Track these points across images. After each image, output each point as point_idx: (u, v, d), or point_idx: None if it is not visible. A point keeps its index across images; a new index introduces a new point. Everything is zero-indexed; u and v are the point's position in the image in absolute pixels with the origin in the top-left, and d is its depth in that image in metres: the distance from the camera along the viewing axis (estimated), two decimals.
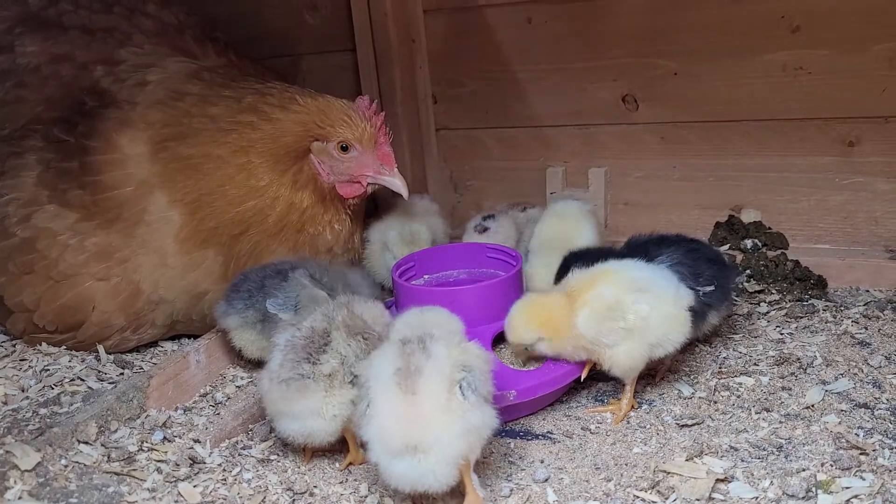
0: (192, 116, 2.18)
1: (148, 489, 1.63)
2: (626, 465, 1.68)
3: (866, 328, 2.15)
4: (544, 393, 1.87)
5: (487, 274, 2.24)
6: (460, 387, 1.50)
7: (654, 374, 2.01)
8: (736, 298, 2.38)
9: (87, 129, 2.19)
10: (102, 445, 1.74)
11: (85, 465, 1.65)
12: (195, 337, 2.27)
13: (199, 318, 2.20)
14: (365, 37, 2.89)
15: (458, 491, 1.55)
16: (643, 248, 2.02)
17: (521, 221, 2.58)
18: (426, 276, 2.24)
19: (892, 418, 1.74)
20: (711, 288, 1.95)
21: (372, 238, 2.52)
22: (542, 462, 1.73)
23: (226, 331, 2.06)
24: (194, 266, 2.14)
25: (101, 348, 2.19)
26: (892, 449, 1.63)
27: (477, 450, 1.53)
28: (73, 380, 2.06)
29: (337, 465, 1.75)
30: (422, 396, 1.47)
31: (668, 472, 1.62)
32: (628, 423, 1.85)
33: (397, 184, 2.16)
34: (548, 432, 1.85)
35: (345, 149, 2.14)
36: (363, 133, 2.12)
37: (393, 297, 2.17)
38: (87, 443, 1.73)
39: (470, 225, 2.54)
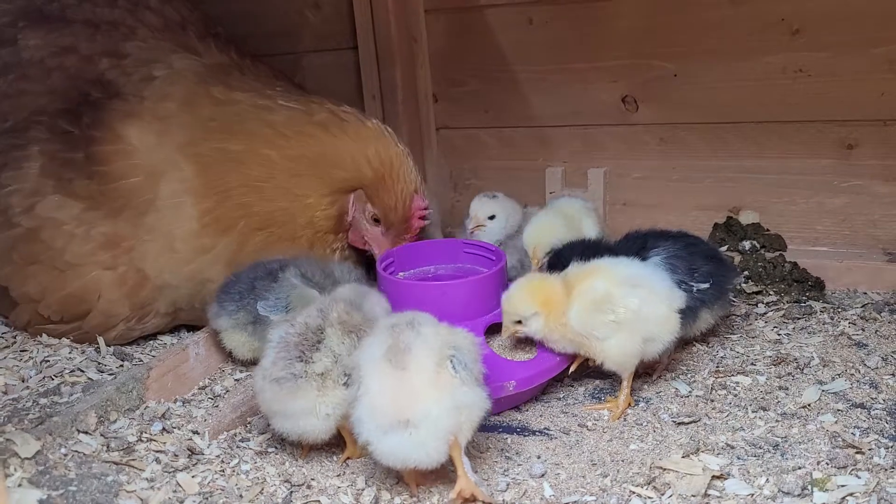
0: (245, 119, 2.22)
1: (146, 479, 1.63)
2: (623, 461, 1.69)
3: (863, 330, 2.16)
4: (543, 381, 1.88)
5: (465, 269, 2.23)
6: (451, 362, 1.53)
7: (652, 372, 2.02)
8: (734, 299, 2.39)
9: (92, 120, 2.21)
10: (102, 435, 1.75)
11: (84, 454, 1.66)
12: (194, 329, 2.28)
13: (202, 306, 2.21)
14: (367, 35, 2.91)
15: (451, 480, 1.57)
16: (641, 241, 2.03)
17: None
18: (402, 274, 2.22)
19: (889, 418, 1.75)
20: (706, 285, 1.96)
21: None
22: (538, 457, 1.73)
23: (217, 332, 2.08)
24: (203, 251, 2.16)
25: (101, 340, 2.20)
26: (888, 448, 1.63)
27: (467, 431, 1.54)
28: (73, 371, 2.07)
29: (335, 458, 1.75)
30: (412, 372, 1.50)
31: (665, 469, 1.62)
32: (625, 420, 1.86)
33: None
34: (545, 428, 1.85)
35: (376, 220, 2.24)
36: (399, 224, 2.22)
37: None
38: (86, 432, 1.74)
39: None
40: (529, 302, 1.86)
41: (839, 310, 2.29)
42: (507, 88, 2.85)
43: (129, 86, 2.28)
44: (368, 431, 1.51)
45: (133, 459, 1.68)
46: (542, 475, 1.66)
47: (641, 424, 1.83)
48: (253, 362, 2.02)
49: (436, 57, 2.93)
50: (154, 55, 2.34)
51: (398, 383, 1.50)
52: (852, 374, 1.94)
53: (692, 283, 1.95)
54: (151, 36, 2.41)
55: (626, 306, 1.80)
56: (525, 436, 1.83)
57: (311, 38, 3.09)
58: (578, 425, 1.86)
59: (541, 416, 1.91)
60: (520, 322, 1.87)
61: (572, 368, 1.94)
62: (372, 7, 2.86)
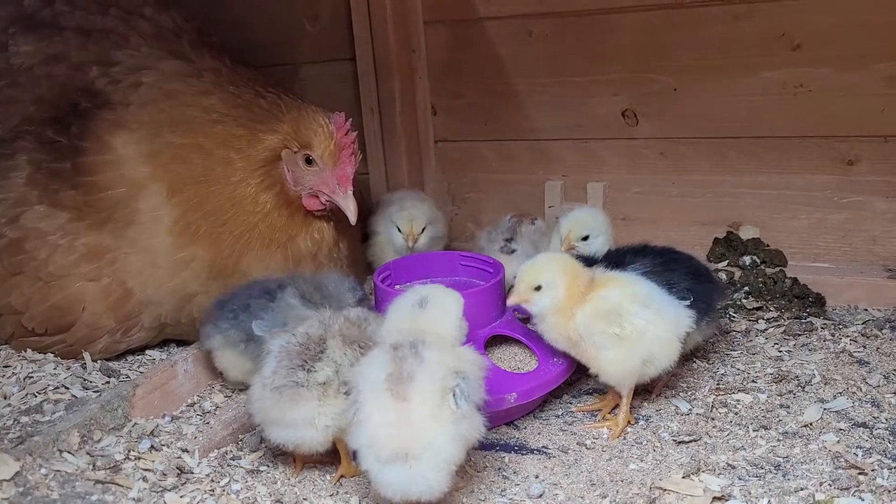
0: (187, 106, 2.19)
1: (133, 499, 1.59)
2: (622, 481, 1.65)
3: (865, 347, 2.13)
4: (543, 393, 1.87)
5: (462, 282, 2.21)
6: (454, 395, 1.48)
7: (651, 389, 1.99)
8: (734, 315, 2.37)
9: (80, 130, 2.18)
10: (88, 454, 1.71)
11: (67, 472, 1.62)
12: (184, 343, 2.24)
13: (188, 322, 2.18)
14: (365, 46, 2.89)
15: (447, 502, 1.54)
16: (621, 256, 1.99)
17: (530, 230, 2.52)
18: (398, 286, 2.19)
19: (891, 438, 1.72)
20: (686, 303, 1.90)
21: (378, 230, 2.59)
22: (536, 477, 1.70)
23: (209, 352, 2.03)
24: (183, 266, 2.13)
25: (87, 356, 2.16)
26: (891, 469, 1.61)
27: (461, 457, 1.51)
28: (57, 388, 2.02)
29: (328, 477, 1.72)
30: (413, 404, 1.45)
31: (665, 490, 1.59)
32: (624, 438, 1.82)
33: (349, 207, 2.15)
34: (543, 447, 1.82)
35: (309, 162, 2.15)
36: (326, 150, 2.13)
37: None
38: (69, 452, 1.69)
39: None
40: (561, 272, 1.82)
41: (840, 326, 2.26)
42: (506, 101, 2.84)
43: (117, 94, 2.25)
44: (368, 462, 1.48)
45: (119, 478, 1.64)
46: (540, 495, 1.63)
47: (641, 443, 1.80)
48: (243, 385, 1.98)
49: (435, 69, 2.92)
50: (145, 62, 2.32)
51: (398, 416, 1.45)
52: (854, 393, 1.92)
53: None
54: (144, 44, 2.38)
55: (633, 324, 1.78)
56: (523, 454, 1.80)
57: (310, 49, 3.07)
58: (577, 444, 1.82)
59: (539, 433, 1.88)
60: (538, 289, 1.82)
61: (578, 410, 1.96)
62: (371, 18, 2.84)
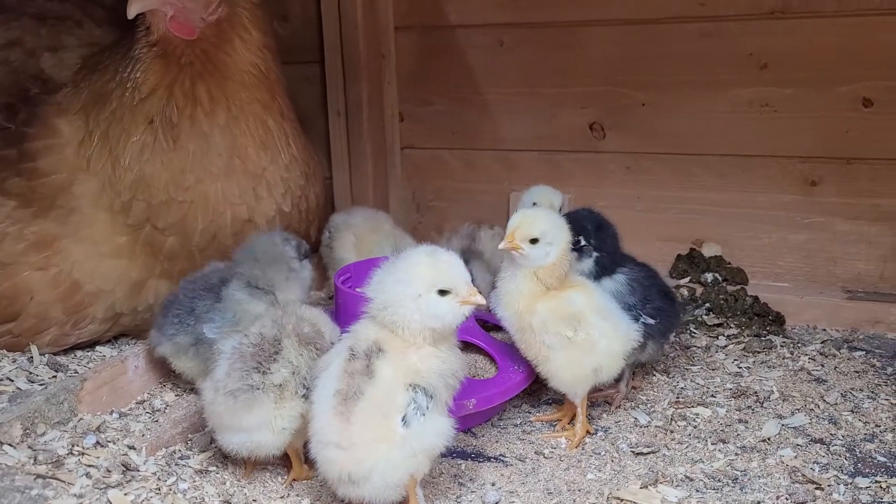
0: (108, 55, 2.17)
1: (75, 495, 1.52)
2: (580, 490, 1.63)
3: (823, 366, 2.15)
4: (503, 401, 1.83)
5: None
6: (404, 416, 1.42)
7: (611, 401, 1.97)
8: (695, 331, 2.38)
9: (27, 116, 2.14)
10: (30, 448, 1.64)
11: (7, 465, 1.55)
12: (139, 339, 2.17)
13: (146, 309, 2.12)
14: (334, 50, 2.86)
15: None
16: (614, 252, 1.99)
17: (488, 235, 2.50)
18: (358, 289, 2.17)
19: (848, 455, 1.73)
20: (653, 321, 1.91)
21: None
22: (493, 485, 1.67)
23: (164, 358, 1.96)
24: (120, 253, 2.07)
25: (34, 349, 2.08)
26: (847, 485, 1.62)
27: (424, 468, 1.48)
28: (0, 380, 1.94)
29: (279, 479, 1.67)
30: (357, 427, 1.41)
31: (622, 500, 1.58)
32: (583, 449, 1.80)
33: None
34: (500, 455, 1.79)
35: None
36: None
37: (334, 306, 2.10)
38: (10, 444, 1.62)
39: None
40: (563, 231, 1.79)
41: (799, 345, 2.28)
42: (475, 110, 2.83)
43: (64, 77, 2.21)
44: (321, 473, 1.46)
45: (62, 473, 1.57)
46: (496, 503, 1.59)
47: (599, 454, 1.78)
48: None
49: (404, 75, 2.90)
50: (93, 46, 2.28)
51: (342, 438, 1.40)
52: (812, 410, 1.93)
53: (641, 313, 1.91)
54: (97, 27, 2.34)
55: (588, 333, 1.76)
56: (479, 462, 1.76)
57: (278, 50, 3.03)
58: (535, 453, 1.80)
59: (496, 442, 1.85)
60: (534, 241, 1.75)
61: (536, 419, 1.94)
62: (341, 21, 2.81)
